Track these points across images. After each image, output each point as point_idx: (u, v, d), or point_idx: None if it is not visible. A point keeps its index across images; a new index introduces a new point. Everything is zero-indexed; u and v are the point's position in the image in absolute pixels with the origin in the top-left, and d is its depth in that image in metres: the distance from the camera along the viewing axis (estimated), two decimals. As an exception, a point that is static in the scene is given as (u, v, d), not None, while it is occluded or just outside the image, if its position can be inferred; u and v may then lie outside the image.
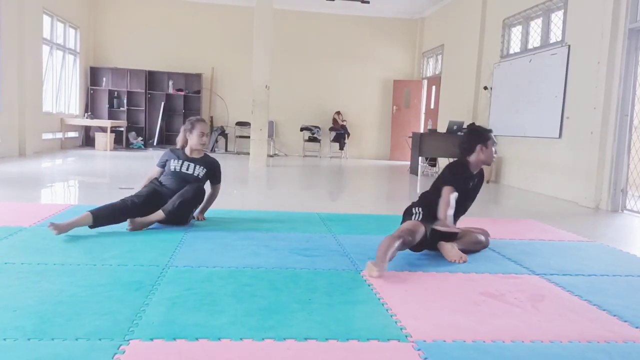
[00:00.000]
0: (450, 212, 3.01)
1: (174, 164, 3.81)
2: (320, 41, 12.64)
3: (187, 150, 3.86)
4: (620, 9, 5.64)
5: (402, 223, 3.14)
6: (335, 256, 3.01)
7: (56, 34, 10.30)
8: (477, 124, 3.38)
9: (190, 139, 3.83)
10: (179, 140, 3.91)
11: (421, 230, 2.98)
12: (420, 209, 3.14)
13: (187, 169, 3.79)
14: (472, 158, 3.27)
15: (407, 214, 3.20)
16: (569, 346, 1.91)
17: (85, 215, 3.26)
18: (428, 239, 3.07)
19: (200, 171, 3.82)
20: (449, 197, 3.02)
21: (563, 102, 6.66)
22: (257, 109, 8.85)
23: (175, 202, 3.55)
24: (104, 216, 3.33)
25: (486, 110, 8.77)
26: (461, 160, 3.30)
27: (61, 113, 10.76)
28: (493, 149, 3.28)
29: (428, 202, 3.16)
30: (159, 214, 3.52)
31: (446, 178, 3.15)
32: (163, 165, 3.84)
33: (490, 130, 3.40)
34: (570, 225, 4.58)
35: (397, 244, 2.81)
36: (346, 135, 12.35)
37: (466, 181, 3.24)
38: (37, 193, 5.25)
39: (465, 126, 8.83)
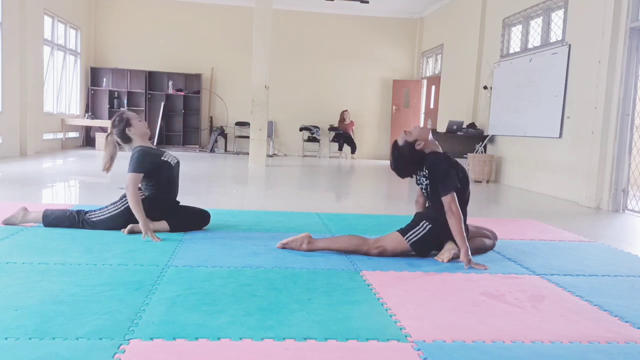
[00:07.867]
0: (462, 225, 2.91)
1: (170, 158, 3.43)
2: (320, 41, 12.64)
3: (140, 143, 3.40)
4: (622, 8, 5.63)
5: (407, 227, 3.03)
6: (335, 256, 3.01)
7: (57, 34, 10.31)
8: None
9: (136, 128, 3.35)
10: (112, 144, 3.38)
11: (404, 252, 3.01)
12: (427, 223, 3.00)
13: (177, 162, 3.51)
14: (420, 146, 3.07)
15: (415, 224, 3.04)
16: (570, 347, 1.91)
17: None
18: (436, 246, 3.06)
19: None
20: (459, 213, 2.87)
21: (563, 101, 6.66)
22: (257, 109, 8.85)
23: (186, 225, 3.44)
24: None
25: (486, 110, 8.77)
26: (439, 154, 3.07)
27: (62, 113, 10.77)
28: (420, 130, 3.08)
29: (435, 215, 3.00)
30: (164, 225, 3.37)
31: (444, 185, 2.92)
32: (155, 167, 3.34)
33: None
34: (571, 225, 4.57)
35: (373, 252, 2.98)
36: (352, 138, 12.18)
37: (457, 172, 3.00)
38: (38, 193, 5.25)
39: (465, 126, 8.83)
